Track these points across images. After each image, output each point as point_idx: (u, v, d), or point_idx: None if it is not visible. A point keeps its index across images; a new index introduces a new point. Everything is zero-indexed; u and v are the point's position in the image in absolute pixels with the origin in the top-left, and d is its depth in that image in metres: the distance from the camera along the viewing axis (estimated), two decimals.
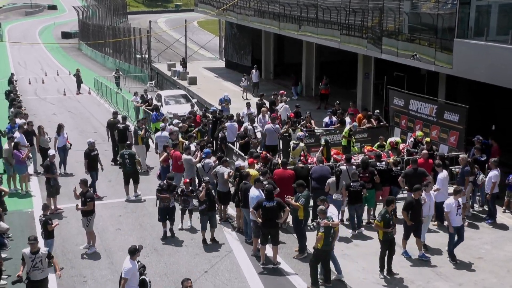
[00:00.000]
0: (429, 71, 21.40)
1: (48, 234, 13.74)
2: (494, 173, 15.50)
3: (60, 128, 20.66)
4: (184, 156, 17.32)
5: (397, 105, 21.02)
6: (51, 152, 18.02)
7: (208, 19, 55.96)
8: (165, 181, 15.33)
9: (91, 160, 18.16)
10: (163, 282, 13.09)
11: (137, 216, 16.98)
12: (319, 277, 12.62)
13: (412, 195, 13.62)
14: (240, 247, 14.68)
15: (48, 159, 17.53)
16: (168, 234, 15.30)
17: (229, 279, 13.16)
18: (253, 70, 33.32)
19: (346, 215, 15.78)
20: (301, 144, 18.33)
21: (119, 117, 22.35)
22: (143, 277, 11.53)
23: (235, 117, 21.90)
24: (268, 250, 13.75)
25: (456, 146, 18.12)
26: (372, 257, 13.90)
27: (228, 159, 17.02)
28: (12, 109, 25.94)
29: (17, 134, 20.24)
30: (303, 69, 33.28)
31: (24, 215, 17.24)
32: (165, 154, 18.26)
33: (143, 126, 21.50)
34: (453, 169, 16.59)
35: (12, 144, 19.14)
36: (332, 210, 12.81)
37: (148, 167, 20.96)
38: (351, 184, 14.91)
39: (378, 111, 22.07)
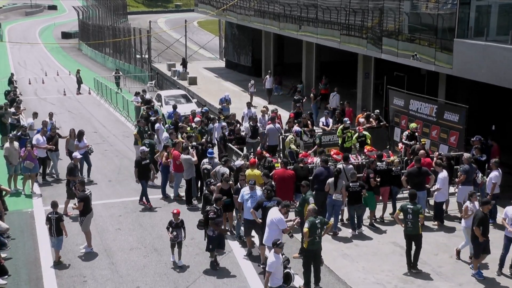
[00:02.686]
0: (429, 71, 21.39)
1: (60, 231, 13.87)
2: (494, 174, 15.47)
3: (80, 134, 20.01)
4: (183, 156, 17.31)
5: (397, 105, 21.01)
6: (76, 154, 17.71)
7: (208, 19, 55.98)
8: (215, 205, 13.52)
9: (142, 169, 17.43)
10: (163, 282, 13.09)
11: (137, 216, 16.98)
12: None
13: (481, 209, 12.88)
14: (240, 247, 14.67)
15: (72, 161, 17.30)
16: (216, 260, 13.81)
17: (229, 279, 13.16)
18: (267, 76, 31.95)
19: (346, 215, 15.78)
20: (290, 136, 19.07)
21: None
22: (288, 270, 11.40)
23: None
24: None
25: (456, 146, 18.12)
26: (372, 257, 13.91)
27: (229, 159, 17.05)
28: (12, 109, 25.92)
29: (38, 136, 19.85)
30: (303, 69, 33.28)
31: (24, 215, 17.23)
32: (165, 153, 18.28)
33: (146, 127, 21.56)
34: (458, 168, 16.56)
35: (15, 143, 19.15)
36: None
37: None
38: (350, 184, 14.91)
39: (378, 111, 22.08)
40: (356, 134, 19.53)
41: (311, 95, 28.10)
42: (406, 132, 18.90)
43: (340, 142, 19.79)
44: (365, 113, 22.10)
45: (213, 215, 13.18)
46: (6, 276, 13.21)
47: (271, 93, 31.97)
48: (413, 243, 13.16)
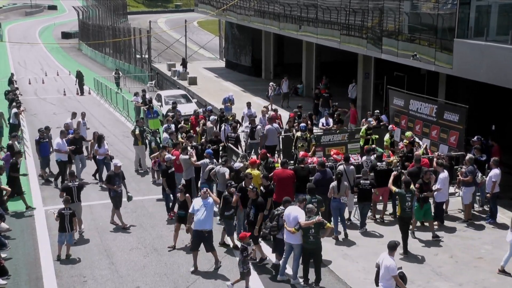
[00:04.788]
0: (429, 71, 21.40)
1: (72, 227, 14.19)
2: (494, 173, 15.49)
3: (101, 139, 19.49)
4: (182, 156, 17.28)
5: (397, 105, 21.01)
6: (117, 162, 16.53)
7: (208, 19, 55.99)
8: (283, 207, 13.05)
9: (169, 178, 16.49)
10: (163, 282, 13.09)
11: (137, 216, 16.97)
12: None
13: None
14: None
15: (112, 169, 16.42)
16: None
17: (229, 279, 13.14)
18: (283, 80, 30.77)
19: (346, 215, 15.77)
20: (298, 134, 19.09)
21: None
22: (401, 271, 11.43)
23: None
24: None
25: (456, 146, 18.12)
26: (372, 257, 13.88)
27: (228, 159, 17.03)
28: (14, 110, 25.88)
29: (58, 140, 19.42)
30: (303, 69, 33.29)
31: (24, 215, 17.21)
32: (165, 153, 18.22)
33: (144, 127, 21.50)
34: (458, 168, 16.56)
35: (16, 142, 19.29)
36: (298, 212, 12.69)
37: (148, 168, 20.92)
38: (361, 181, 14.92)
39: (378, 111, 22.07)
40: (388, 134, 19.30)
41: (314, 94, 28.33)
42: (405, 141, 18.82)
43: (362, 143, 19.63)
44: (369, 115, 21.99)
45: (273, 226, 12.99)
46: (7, 277, 13.20)
47: (287, 97, 30.85)
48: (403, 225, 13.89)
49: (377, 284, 11.36)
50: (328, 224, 12.79)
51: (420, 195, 14.51)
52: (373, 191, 15.10)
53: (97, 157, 19.45)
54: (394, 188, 14.46)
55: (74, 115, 23.45)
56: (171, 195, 16.59)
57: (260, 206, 13.44)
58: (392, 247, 11.14)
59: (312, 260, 12.60)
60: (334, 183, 14.83)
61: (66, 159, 19.49)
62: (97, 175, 19.83)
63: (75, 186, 15.21)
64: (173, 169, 16.74)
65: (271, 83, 31.06)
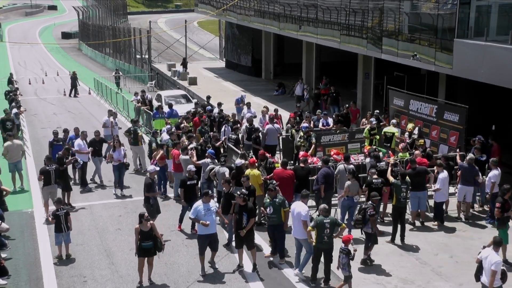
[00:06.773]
0: (429, 71, 21.40)
1: (69, 226, 14.19)
2: (493, 173, 15.49)
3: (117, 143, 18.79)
4: (182, 156, 17.26)
5: (397, 105, 21.02)
6: (152, 168, 16.08)
7: (208, 19, 56.00)
8: (371, 202, 13.35)
9: (188, 190, 15.26)
10: (163, 282, 13.09)
11: (137, 216, 16.87)
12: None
13: None
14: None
15: (148, 175, 15.70)
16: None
17: (229, 279, 13.16)
18: (298, 82, 30.44)
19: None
20: (300, 133, 19.35)
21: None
22: (503, 268, 11.41)
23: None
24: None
25: (456, 146, 18.12)
26: (372, 257, 13.89)
27: (228, 159, 17.02)
28: (14, 110, 25.85)
29: (79, 142, 19.06)
30: (303, 69, 33.27)
31: (24, 215, 17.22)
32: (162, 152, 18.23)
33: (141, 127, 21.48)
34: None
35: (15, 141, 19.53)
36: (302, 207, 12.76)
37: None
38: (373, 180, 14.93)
39: (378, 111, 22.06)
40: (393, 127, 19.50)
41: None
42: (407, 133, 18.88)
43: (367, 143, 19.65)
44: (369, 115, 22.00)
45: (373, 211, 13.24)
46: (7, 277, 13.21)
47: (300, 100, 30.02)
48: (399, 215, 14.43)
49: (477, 279, 11.38)
50: (343, 224, 12.78)
51: (502, 215, 13.35)
52: (383, 190, 15.09)
53: (113, 163, 18.56)
54: (391, 178, 14.92)
55: (110, 113, 23.31)
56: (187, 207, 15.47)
57: (252, 212, 13.23)
58: (498, 243, 11.11)
59: (323, 259, 12.57)
60: (349, 182, 14.83)
61: (86, 160, 19.28)
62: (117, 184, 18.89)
63: (53, 169, 16.55)
64: (194, 181, 15.48)
65: (305, 85, 30.56)
